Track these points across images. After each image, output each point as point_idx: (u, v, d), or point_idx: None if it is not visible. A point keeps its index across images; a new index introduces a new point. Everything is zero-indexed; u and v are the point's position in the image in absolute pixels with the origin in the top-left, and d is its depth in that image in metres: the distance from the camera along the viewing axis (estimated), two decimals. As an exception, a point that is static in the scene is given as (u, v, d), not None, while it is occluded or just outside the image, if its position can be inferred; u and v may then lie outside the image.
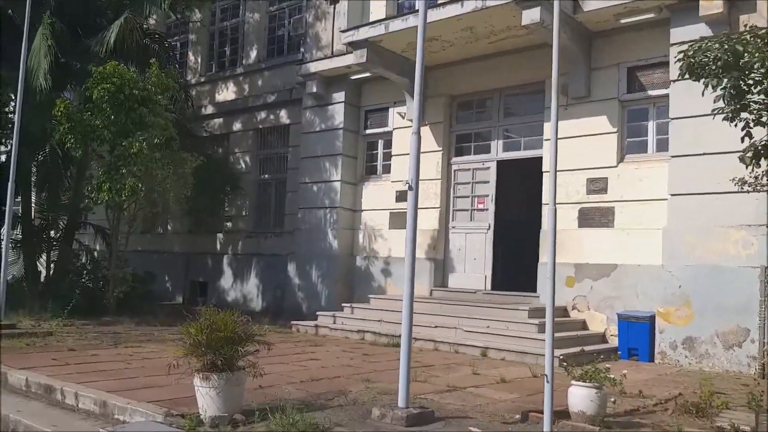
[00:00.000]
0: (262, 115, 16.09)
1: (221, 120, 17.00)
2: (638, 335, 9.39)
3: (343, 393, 6.08)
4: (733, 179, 6.94)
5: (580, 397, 5.14)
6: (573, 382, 5.25)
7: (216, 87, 17.50)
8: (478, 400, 6.02)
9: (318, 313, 11.64)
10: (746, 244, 8.65)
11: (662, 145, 10.08)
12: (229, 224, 16.45)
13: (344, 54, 13.15)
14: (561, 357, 8.43)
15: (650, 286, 9.70)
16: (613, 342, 9.96)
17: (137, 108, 11.09)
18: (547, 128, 11.08)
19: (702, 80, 6.19)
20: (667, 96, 9.95)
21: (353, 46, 11.81)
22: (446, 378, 7.12)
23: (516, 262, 12.00)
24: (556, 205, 10.06)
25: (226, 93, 17.22)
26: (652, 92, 10.18)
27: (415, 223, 5.59)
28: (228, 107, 16.79)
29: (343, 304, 11.78)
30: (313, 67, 13.58)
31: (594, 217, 10.52)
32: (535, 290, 11.05)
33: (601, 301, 10.24)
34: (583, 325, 10.28)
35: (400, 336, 9.88)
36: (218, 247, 16.55)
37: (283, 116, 15.64)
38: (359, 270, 13.37)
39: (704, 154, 9.08)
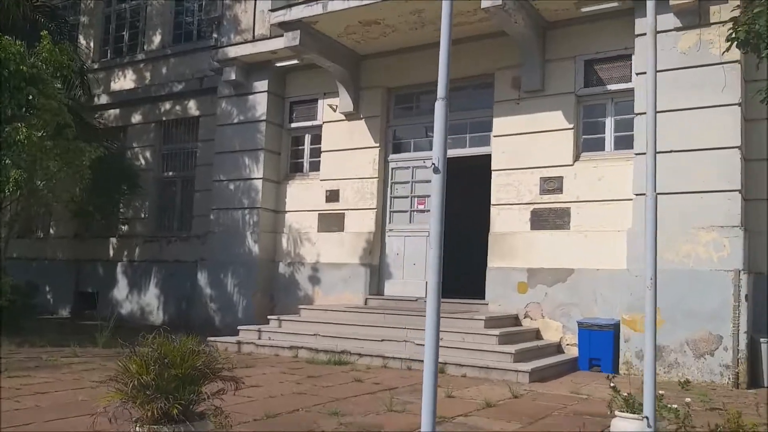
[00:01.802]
0: (167, 106, 14.34)
1: (117, 111, 15.06)
2: (601, 345, 8.66)
3: None
4: None
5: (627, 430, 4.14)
6: (617, 412, 4.25)
7: (112, 75, 15.53)
8: None
9: (240, 327, 10.13)
10: (718, 246, 8.14)
11: (621, 143, 9.51)
12: (124, 227, 14.49)
13: (267, 38, 11.80)
14: (530, 371, 7.55)
15: (611, 291, 9.04)
16: (571, 352, 9.20)
17: (24, 88, 9.18)
18: (497, 124, 10.30)
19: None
20: (626, 91, 9.43)
21: (284, 27, 10.49)
22: (419, 406, 5.95)
23: (460, 267, 11.06)
24: (505, 205, 9.07)
25: (124, 81, 15.30)
26: (611, 87, 9.59)
27: (441, 216, 4.33)
28: (126, 97, 14.88)
29: (268, 317, 10.34)
30: (233, 51, 12.10)
31: (548, 219, 9.77)
32: (483, 297, 10.15)
33: (556, 308, 9.48)
34: (537, 334, 9.47)
35: (341, 352, 8.68)
36: (111, 253, 14.54)
37: (192, 107, 13.99)
38: (282, 277, 11.96)
39: (672, 151, 8.53)
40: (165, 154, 14.45)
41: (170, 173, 14.32)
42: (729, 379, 7.83)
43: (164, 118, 14.35)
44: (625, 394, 4.28)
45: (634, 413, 4.16)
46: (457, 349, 8.26)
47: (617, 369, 8.57)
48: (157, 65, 14.71)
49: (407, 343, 8.59)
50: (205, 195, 13.18)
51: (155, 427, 3.37)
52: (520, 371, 7.53)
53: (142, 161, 14.47)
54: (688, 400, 4.99)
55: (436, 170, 4.59)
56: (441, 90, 4.65)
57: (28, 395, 5.89)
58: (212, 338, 9.82)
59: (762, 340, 7.94)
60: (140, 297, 13.72)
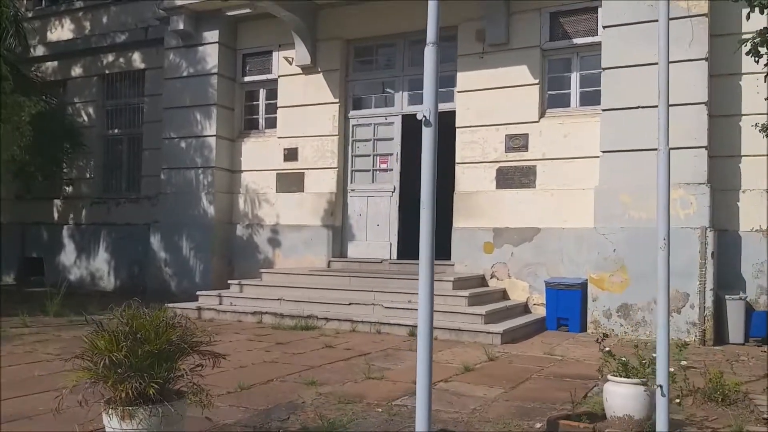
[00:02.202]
0: (110, 58, 13.48)
1: (56, 64, 14.10)
2: (568, 304, 8.66)
3: (296, 406, 4.54)
4: (756, 125, 6.21)
5: (623, 397, 4.03)
6: (611, 377, 4.14)
7: (48, 24, 14.47)
8: (466, 402, 4.76)
9: (198, 293, 9.75)
10: (685, 203, 8.15)
11: (586, 99, 9.36)
12: (69, 189, 13.73)
13: (217, -15, 11.11)
14: (502, 333, 7.48)
15: (578, 250, 9.01)
16: (538, 312, 9.20)
17: (-48, 35, 8.39)
18: (461, 79, 10.01)
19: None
20: (592, 45, 9.24)
21: (236, -28, 9.85)
22: (399, 370, 5.80)
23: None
24: (470, 163, 8.84)
25: (61, 32, 14.29)
26: (577, 40, 9.37)
27: (433, 174, 4.06)
28: (64, 48, 13.91)
29: (229, 281, 9.98)
30: (180, -2, 11.36)
31: (514, 177, 9.62)
32: (449, 258, 10.01)
33: (522, 267, 9.42)
34: (504, 294, 9.41)
35: (308, 317, 8.43)
36: (56, 216, 13.82)
37: (137, 60, 13.19)
38: (240, 240, 11.56)
39: (639, 107, 8.43)
40: (109, 109, 13.65)
41: (116, 130, 13.56)
42: (696, 336, 7.94)
43: (107, 72, 13.50)
44: (623, 358, 4.14)
45: (628, 377, 4.04)
46: (426, 311, 8.10)
47: (585, 328, 8.61)
48: (98, 14, 13.77)
49: (375, 306, 8.41)
50: (155, 153, 12.54)
51: (130, 408, 3.05)
52: (491, 333, 7.45)
53: (85, 117, 13.65)
54: (684, 363, 4.91)
55: (426, 123, 4.26)
56: (431, 34, 4.28)
57: (-23, 376, 5.46)
58: (170, 304, 9.38)
59: (727, 297, 8.04)
60: (89, 262, 13.12)
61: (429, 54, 4.25)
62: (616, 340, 7.95)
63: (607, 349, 4.33)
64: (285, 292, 9.24)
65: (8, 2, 9.82)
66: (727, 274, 8.35)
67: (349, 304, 8.55)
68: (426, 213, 4.07)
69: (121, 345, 3.07)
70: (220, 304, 9.34)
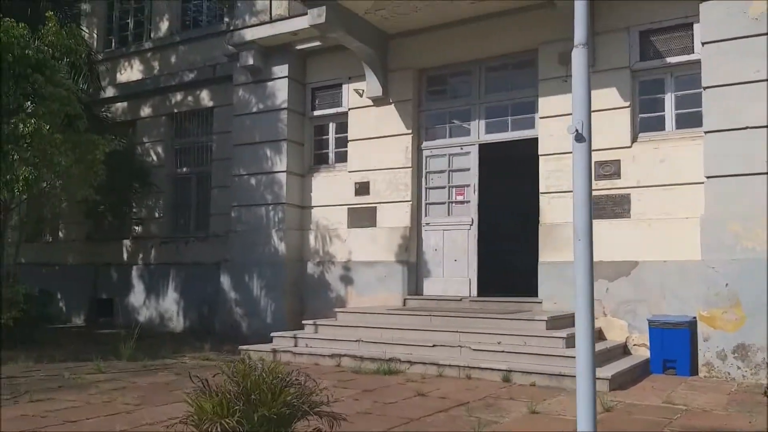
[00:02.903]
0: (178, 97, 13.49)
1: (125, 104, 14.21)
2: (676, 345, 7.85)
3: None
4: None
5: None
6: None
7: (117, 66, 14.67)
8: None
9: (273, 334, 9.33)
10: (809, 232, 7.31)
11: (683, 121, 8.68)
12: (138, 229, 13.67)
13: (287, 18, 10.97)
14: (610, 378, 6.75)
15: (682, 285, 8.23)
16: (639, 353, 8.41)
17: (30, 75, 8.30)
18: (543, 104, 9.46)
19: None
20: (687, 64, 8.59)
21: (307, 4, 9.61)
22: (508, 424, 5.18)
23: (505, 262, 10.27)
24: (555, 193, 8.16)
25: (131, 72, 14.45)
26: (670, 59, 8.73)
27: (589, 195, 3.51)
28: (134, 89, 14.02)
29: (303, 322, 9.54)
30: (250, 34, 11.23)
31: (606, 207, 8.94)
32: (536, 294, 9.35)
33: (620, 305, 8.67)
34: (600, 334, 8.66)
35: (389, 360, 7.83)
36: (125, 256, 13.74)
37: (205, 98, 13.14)
38: (311, 278, 11.16)
39: (747, 128, 7.69)
40: (178, 148, 13.61)
41: (184, 169, 13.49)
42: (825, 378, 7.04)
43: (176, 110, 13.50)
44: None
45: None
46: (519, 354, 7.46)
47: (695, 371, 7.77)
48: (166, 54, 13.86)
49: (462, 348, 7.80)
50: (223, 191, 12.36)
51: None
52: (598, 378, 6.71)
53: (154, 157, 13.64)
54: None
55: (579, 138, 3.73)
56: (580, 35, 3.78)
57: (57, 426, 5.08)
58: (243, 346, 9.04)
59: None
60: (158, 302, 12.93)
61: (578, 57, 3.71)
62: (736, 385, 7.13)
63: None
64: (363, 332, 8.72)
65: (81, 40, 9.77)
66: None
67: (433, 346, 7.96)
68: (582, 246, 3.50)
69: (234, 408, 2.59)
70: (296, 345, 8.89)
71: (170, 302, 12.80)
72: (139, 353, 8.50)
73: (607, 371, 6.91)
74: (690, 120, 8.62)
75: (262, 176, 11.38)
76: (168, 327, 12.58)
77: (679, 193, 8.45)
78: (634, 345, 8.52)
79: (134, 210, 13.50)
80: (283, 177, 11.17)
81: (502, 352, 7.54)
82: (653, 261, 8.48)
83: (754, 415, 5.62)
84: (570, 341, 7.63)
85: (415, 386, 6.76)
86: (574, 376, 6.79)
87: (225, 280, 11.45)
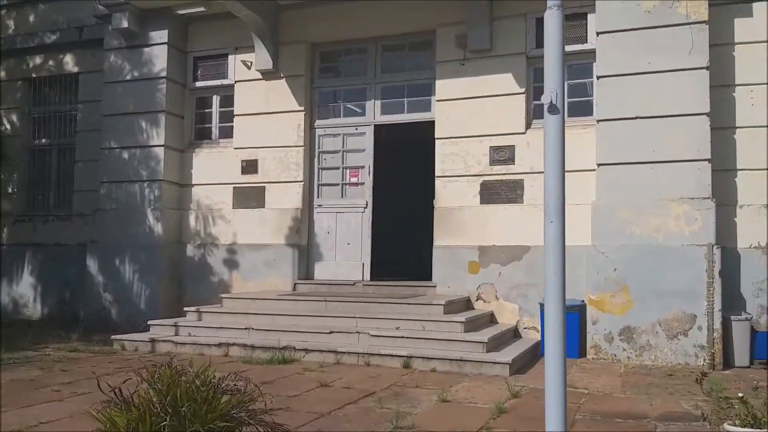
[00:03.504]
0: (37, 60, 12.06)
1: (-28, 65, 12.53)
2: (566, 328, 8.00)
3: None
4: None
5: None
6: (728, 426, 3.43)
7: (-38, 21, 12.87)
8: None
9: (151, 322, 8.53)
10: (689, 219, 7.67)
11: (574, 110, 8.87)
12: (-13, 205, 12.14)
13: (168, -21, 10.04)
14: (510, 362, 6.73)
15: (573, 270, 8.35)
16: (529, 336, 8.54)
17: None
18: (440, 87, 9.34)
19: None
20: (581, 53, 8.77)
21: (193, -37, 8.83)
22: (422, 415, 4.93)
23: (399, 246, 10.08)
24: (451, 177, 8.17)
25: (-22, 29, 12.73)
26: (566, 48, 8.83)
27: (561, 171, 3.31)
28: (-18, 48, 12.39)
29: (185, 309, 8.80)
30: (125, -7, 10.18)
31: (500, 192, 8.97)
32: (430, 278, 9.24)
33: (511, 288, 8.74)
34: (491, 317, 8.71)
35: (283, 348, 7.37)
36: (-29, 235, 12.16)
37: (69, 62, 11.85)
38: (191, 262, 10.37)
39: (637, 117, 7.97)
40: (36, 117, 12.19)
41: (43, 140, 12.10)
42: (704, 360, 7.42)
43: (34, 75, 12.07)
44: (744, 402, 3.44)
45: (758, 427, 3.34)
46: (418, 339, 7.28)
47: (584, 353, 7.98)
48: (23, 12, 12.32)
49: (360, 334, 7.49)
50: (89, 166, 11.22)
51: None
52: (498, 363, 6.69)
53: (7, 126, 12.14)
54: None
55: (552, 109, 3.49)
56: None
57: None
58: (117, 336, 8.21)
59: (732, 317, 7.59)
60: (11, 287, 11.55)
61: (552, 20, 3.44)
62: (623, 367, 7.37)
63: (741, 395, 3.57)
64: (252, 319, 8.19)
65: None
66: (726, 293, 7.90)
67: (330, 332, 7.59)
68: (555, 227, 3.28)
69: (161, 425, 2.09)
70: (177, 334, 8.18)
71: (26, 287, 11.47)
72: (-9, 345, 7.45)
73: (506, 356, 6.89)
74: (581, 109, 8.83)
75: (137, 150, 10.40)
76: (23, 314, 11.27)
77: (571, 180, 8.48)
78: (525, 328, 8.63)
79: (-18, 184, 11.95)
80: (160, 151, 10.27)
81: (402, 337, 7.32)
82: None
83: (651, 397, 5.77)
84: (468, 325, 7.59)
85: (314, 376, 6.37)
86: (475, 361, 6.77)
87: (92, 263, 10.38)
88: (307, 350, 7.32)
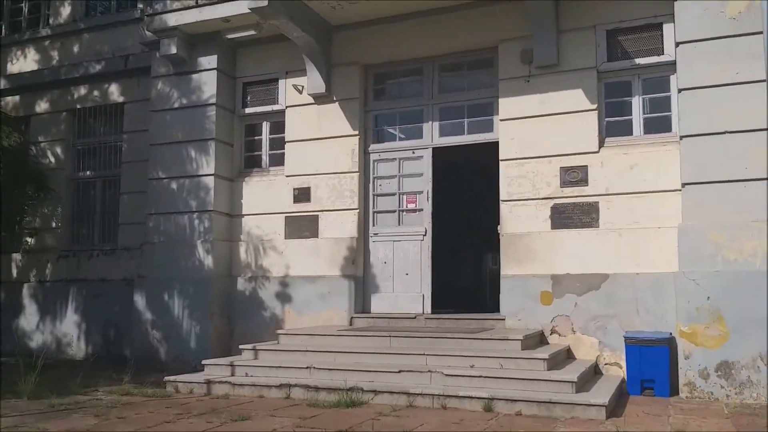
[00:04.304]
0: (82, 91, 11.86)
1: (17, 98, 12.38)
2: (654, 363, 7.30)
3: None
4: None
5: None
6: None
7: (8, 55, 12.79)
8: None
9: (205, 361, 8.04)
10: (799, 241, 6.97)
11: (650, 126, 8.26)
12: (31, 240, 11.86)
13: (215, 2, 9.74)
14: (606, 404, 6.05)
15: (656, 299, 7.74)
16: (611, 373, 7.84)
17: None
18: (504, 106, 8.81)
19: None
20: (656, 66, 8.20)
21: (245, -15, 8.51)
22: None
23: (462, 276, 9.49)
24: (518, 200, 7.57)
25: (24, 62, 12.64)
26: (639, 60, 8.28)
27: None
28: (28, 81, 12.24)
29: (241, 347, 8.29)
30: (173, 19, 9.89)
31: (572, 216, 8.36)
32: (497, 310, 8.63)
33: (589, 321, 8.07)
34: (568, 352, 8.03)
35: (350, 389, 6.74)
36: (15, 272, 11.87)
37: (114, 92, 11.62)
38: (242, 296, 9.91)
39: (726, 132, 7.33)
40: (80, 149, 11.96)
41: (88, 172, 11.84)
42: (840, 400, 6.67)
43: (78, 106, 11.86)
44: None
45: None
46: (498, 379, 6.64)
47: (675, 392, 7.25)
48: (67, 42, 12.18)
49: (432, 373, 6.88)
50: (135, 198, 10.90)
51: None
52: (593, 405, 6.01)
53: (51, 158, 11.93)
54: None
55: None
56: None
57: None
58: (170, 377, 7.71)
59: None
60: (55, 325, 11.20)
61: None
62: (723, 407, 6.63)
63: None
64: (313, 357, 7.64)
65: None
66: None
67: (399, 371, 6.99)
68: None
69: None
70: (233, 375, 7.66)
71: (69, 325, 11.11)
72: (41, 388, 6.98)
73: (599, 396, 6.21)
74: (658, 125, 8.23)
75: (185, 180, 10.04)
76: (66, 354, 10.90)
77: (651, 202, 7.97)
78: (606, 364, 7.93)
79: (27, 219, 11.69)
80: (210, 181, 9.89)
81: (480, 377, 6.69)
82: (624, 273, 7.94)
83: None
84: (551, 363, 6.93)
85: (391, 422, 5.78)
86: (566, 404, 6.10)
87: (139, 299, 9.98)
88: (375, 391, 6.73)
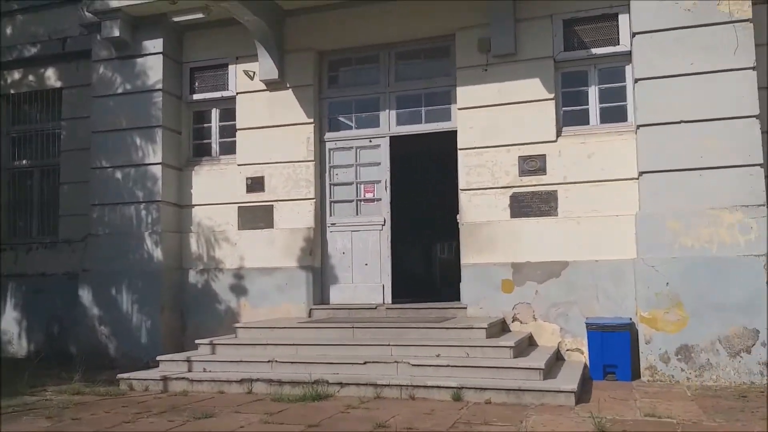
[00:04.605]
0: (16, 75, 11.18)
1: (-58, 82, 11.58)
2: (616, 348, 7.41)
3: None
4: None
5: None
6: None
7: (-70, 35, 11.92)
8: None
9: (160, 357, 7.69)
10: (744, 228, 7.17)
11: (607, 116, 8.36)
12: (-39, 234, 11.14)
13: (163, -15, 9.29)
14: (576, 391, 6.10)
15: (616, 286, 7.87)
16: (573, 359, 7.94)
17: None
18: (461, 94, 8.75)
19: None
20: (612, 56, 8.30)
21: (195, -35, 8.14)
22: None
23: (421, 265, 9.41)
24: (477, 189, 7.58)
25: (-51, 44, 11.80)
26: (595, 50, 8.36)
27: None
28: (-46, 63, 11.46)
29: (197, 341, 7.97)
30: (115, 1, 9.41)
31: (532, 205, 8.39)
32: (458, 299, 8.61)
33: (550, 308, 8.13)
34: (531, 339, 8.07)
35: (315, 382, 6.61)
36: (-57, 268, 11.13)
37: (51, 77, 11.00)
38: (194, 289, 9.56)
39: (681, 122, 7.48)
40: (15, 137, 11.27)
41: (24, 161, 11.18)
42: (769, 378, 6.91)
43: (12, 91, 11.17)
44: None
45: None
46: (465, 368, 6.60)
47: (638, 375, 7.39)
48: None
49: (399, 364, 6.78)
50: (76, 188, 10.37)
51: None
52: (562, 392, 6.04)
53: (-18, 147, 11.21)
54: None
55: None
56: None
57: None
58: (124, 375, 7.35)
59: (795, 331, 7.09)
60: (-9, 323, 10.56)
61: None
62: (686, 389, 6.79)
63: None
64: (274, 351, 7.43)
65: None
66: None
67: (365, 363, 6.86)
68: None
69: None
70: (191, 371, 7.36)
71: (9, 322, 10.49)
72: (-17, 393, 6.54)
73: (567, 383, 6.24)
74: (614, 114, 8.34)
75: (131, 169, 9.59)
76: (8, 352, 10.28)
77: (608, 190, 8.08)
78: (568, 350, 8.02)
79: (-45, 211, 10.97)
80: (157, 170, 9.47)
81: (447, 366, 6.63)
82: (584, 261, 8.04)
83: (747, 424, 5.19)
84: (517, 350, 6.94)
85: (362, 414, 5.65)
86: (535, 391, 6.11)
87: (84, 294, 9.49)
88: (341, 384, 6.58)
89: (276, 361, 7.12)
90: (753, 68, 7.34)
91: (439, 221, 11.05)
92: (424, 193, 10.98)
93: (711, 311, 7.14)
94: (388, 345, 7.15)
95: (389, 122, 9.24)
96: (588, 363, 7.62)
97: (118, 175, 9.62)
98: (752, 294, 7.02)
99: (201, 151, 10.05)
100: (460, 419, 5.42)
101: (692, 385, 7.02)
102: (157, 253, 9.29)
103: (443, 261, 11.85)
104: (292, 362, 7.07)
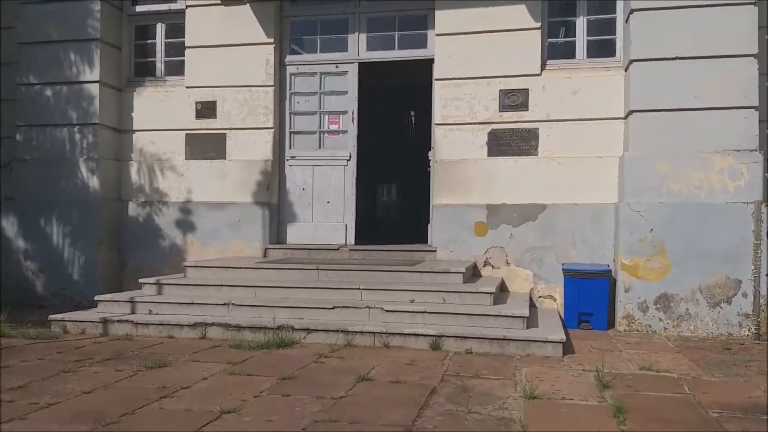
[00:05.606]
0: (-76, -27, 9.69)
1: None
2: (594, 297, 7.03)
3: None
4: None
5: None
6: None
7: None
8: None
9: (99, 297, 6.84)
10: (734, 173, 6.82)
11: (594, 49, 7.81)
12: None
13: None
14: (563, 341, 5.67)
15: (595, 231, 7.47)
16: (545, 306, 7.57)
17: None
18: (440, 19, 8.01)
19: None
20: (604, -15, 7.68)
21: None
22: (536, 425, 3.76)
23: (389, 204, 8.78)
24: (454, 125, 7.06)
25: None
26: (586, -22, 7.73)
27: None
28: None
29: (141, 281, 7.13)
30: None
31: (511, 143, 7.83)
32: (425, 241, 8.06)
33: (524, 252, 7.69)
34: (502, 285, 7.62)
35: (278, 328, 5.93)
36: None
37: (-33, -22, 9.57)
38: (135, 223, 8.65)
39: (677, 58, 6.99)
40: (-76, 45, 9.85)
41: (-65, 74, 9.81)
42: (749, 330, 6.67)
43: None
44: None
45: None
46: (443, 314, 6.07)
47: (612, 324, 7.07)
48: None
49: (371, 309, 6.19)
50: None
51: None
52: (549, 342, 5.60)
53: None
54: None
55: None
56: None
57: None
58: (56, 316, 6.50)
59: (780, 282, 6.87)
60: None
61: None
62: (665, 339, 6.50)
63: None
64: (230, 293, 6.71)
65: None
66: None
67: (333, 307, 6.25)
68: None
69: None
70: (134, 312, 6.57)
71: None
72: None
73: (551, 333, 5.79)
74: (601, 48, 7.80)
75: (63, 87, 8.47)
76: None
77: (592, 130, 7.60)
78: (540, 297, 7.63)
79: None
80: (94, 89, 8.40)
81: (423, 313, 6.09)
82: (563, 204, 7.58)
83: (746, 378, 4.87)
84: (498, 297, 6.45)
85: (337, 364, 5.06)
86: (520, 341, 5.63)
87: (9, 226, 8.45)
88: (308, 330, 5.96)
89: (233, 303, 6.41)
90: (754, 3, 6.86)
91: (387, 162, 10.39)
92: (373, 132, 10.19)
93: (694, 260, 6.82)
94: (358, 289, 6.54)
95: (358, 47, 8.41)
96: (562, 311, 7.24)
97: (48, 92, 8.49)
98: (738, 243, 6.72)
99: (144, 71, 8.99)
100: (447, 371, 4.89)
101: (670, 335, 6.74)
102: (93, 182, 8.31)
103: (385, 204, 11.19)
104: (251, 305, 6.38)
